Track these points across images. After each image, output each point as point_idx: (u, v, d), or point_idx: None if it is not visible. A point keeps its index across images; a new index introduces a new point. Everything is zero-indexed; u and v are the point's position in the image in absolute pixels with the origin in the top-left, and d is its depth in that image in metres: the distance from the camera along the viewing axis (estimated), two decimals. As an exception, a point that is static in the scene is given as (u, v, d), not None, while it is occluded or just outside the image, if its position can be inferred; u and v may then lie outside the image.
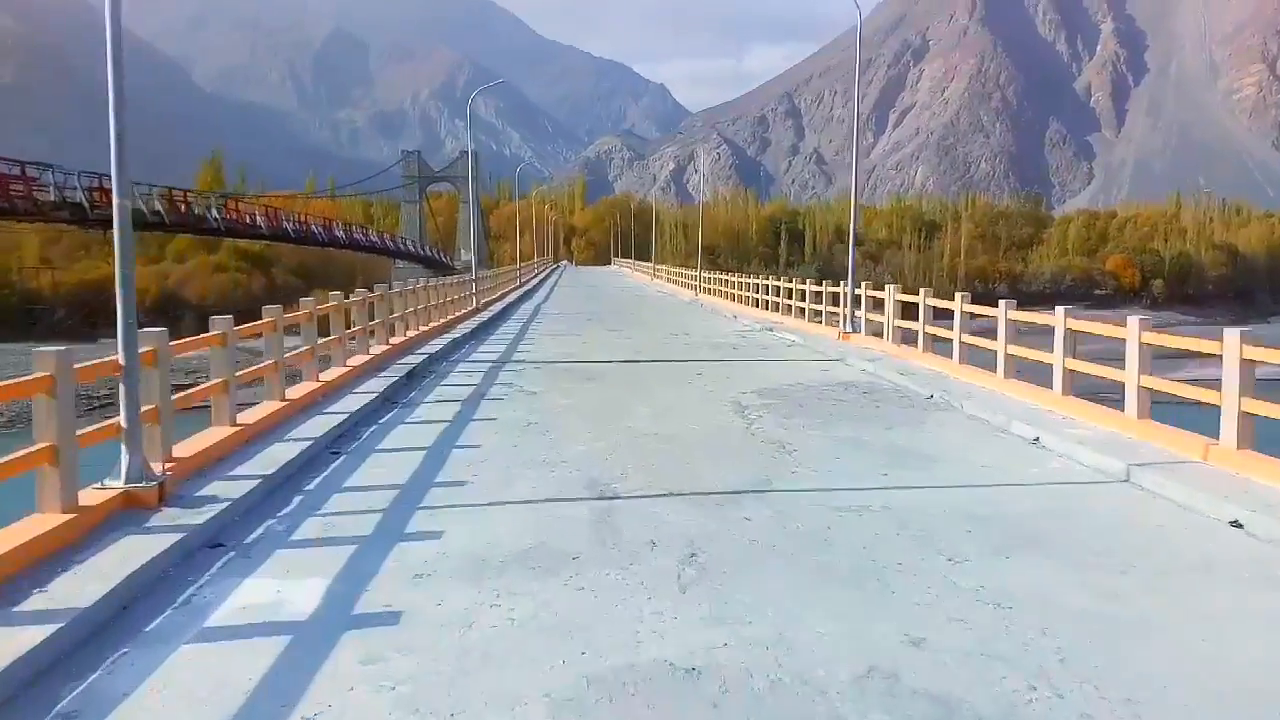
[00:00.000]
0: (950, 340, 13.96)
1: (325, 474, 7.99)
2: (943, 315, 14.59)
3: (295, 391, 10.62)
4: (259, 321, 10.21)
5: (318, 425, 9.47)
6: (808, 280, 25.05)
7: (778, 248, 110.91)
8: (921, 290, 15.02)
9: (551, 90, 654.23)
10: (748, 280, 32.67)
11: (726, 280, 36.99)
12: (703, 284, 42.44)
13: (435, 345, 17.80)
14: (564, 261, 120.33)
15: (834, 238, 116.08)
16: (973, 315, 13.40)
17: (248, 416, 9.10)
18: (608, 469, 8.07)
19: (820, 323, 22.26)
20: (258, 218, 62.05)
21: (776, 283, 28.37)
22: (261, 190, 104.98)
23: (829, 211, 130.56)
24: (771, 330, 22.98)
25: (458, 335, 20.57)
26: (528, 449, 8.91)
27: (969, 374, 12.98)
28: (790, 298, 25.89)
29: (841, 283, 20.18)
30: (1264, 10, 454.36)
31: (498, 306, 32.71)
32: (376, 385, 12.25)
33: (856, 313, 18.93)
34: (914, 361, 14.83)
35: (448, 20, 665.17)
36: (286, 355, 10.37)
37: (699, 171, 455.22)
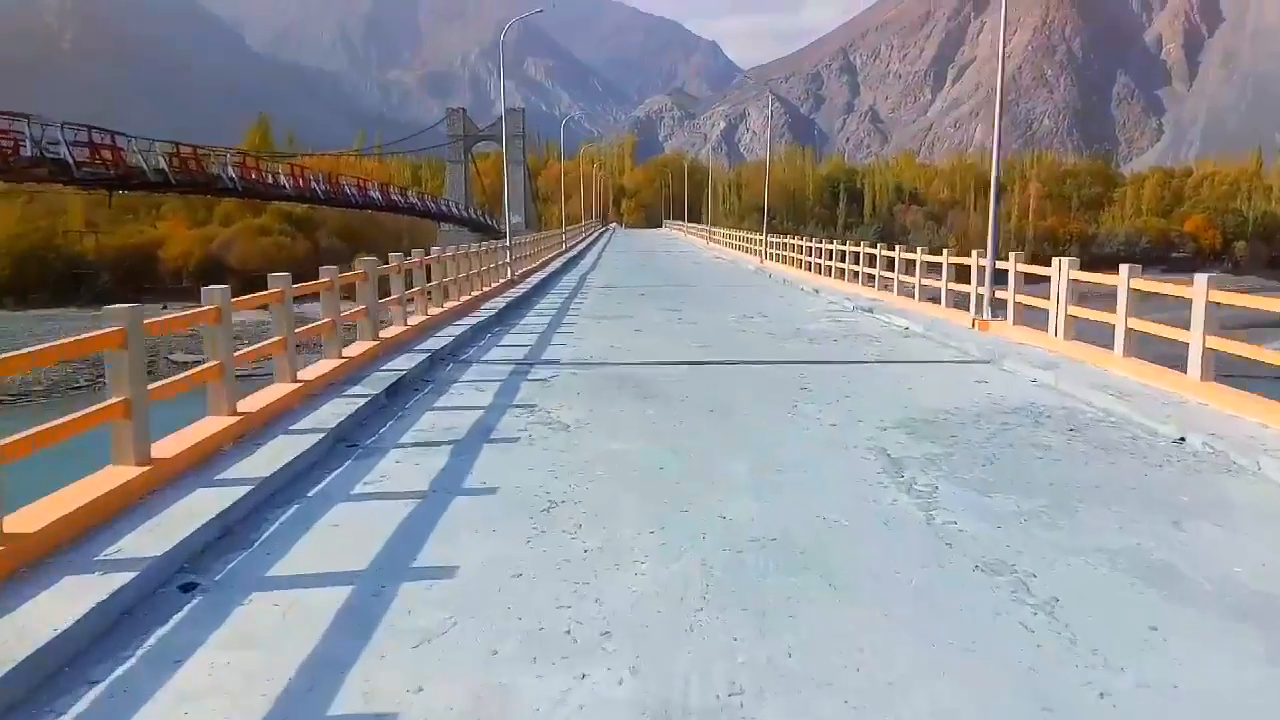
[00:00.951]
0: (1164, 337, 9.58)
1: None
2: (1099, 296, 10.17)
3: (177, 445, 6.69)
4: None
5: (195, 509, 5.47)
6: (918, 250, 19.24)
7: (835, 208, 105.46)
8: (1125, 269, 10.39)
9: (601, 49, 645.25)
10: (826, 246, 27.58)
11: (798, 245, 31.71)
12: (769, 249, 37.24)
13: (446, 336, 13.56)
14: (613, 224, 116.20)
15: (894, 197, 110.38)
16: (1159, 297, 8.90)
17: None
18: (689, 658, 3.94)
19: (938, 304, 17.25)
20: (280, 177, 57.59)
21: (869, 249, 22.92)
22: (312, 152, 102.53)
23: (887, 170, 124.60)
24: (871, 312, 18.01)
25: (481, 319, 16.20)
26: (540, 583, 4.76)
27: (1222, 397, 8.57)
28: (890, 269, 20.75)
29: (976, 253, 15.30)
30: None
31: (537, 278, 28.46)
32: (329, 415, 8.16)
33: (1001, 293, 13.96)
34: (1113, 371, 10.26)
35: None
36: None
37: (751, 130, 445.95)
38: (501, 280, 23.51)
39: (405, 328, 13.22)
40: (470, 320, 15.96)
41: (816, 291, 23.57)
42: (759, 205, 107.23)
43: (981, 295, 14.76)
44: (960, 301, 16.36)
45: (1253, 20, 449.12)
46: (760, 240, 39.58)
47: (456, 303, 17.25)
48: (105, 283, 66.00)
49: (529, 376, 11.09)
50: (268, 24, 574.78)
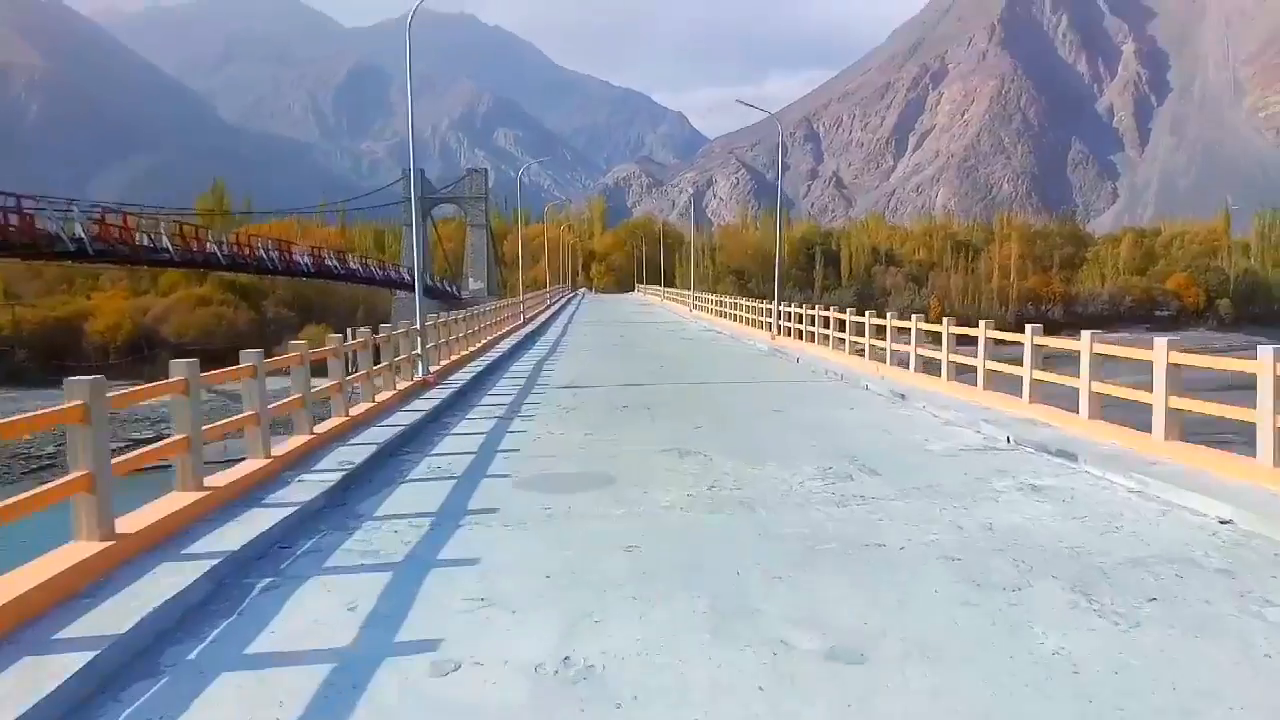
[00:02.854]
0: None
1: None
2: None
3: None
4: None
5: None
6: (1029, 334, 13.33)
7: (811, 270, 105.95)
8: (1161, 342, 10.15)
9: (570, 120, 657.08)
10: (867, 320, 21.34)
11: (821, 318, 25.49)
12: (780, 321, 30.02)
13: (231, 538, 7.09)
14: (583, 289, 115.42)
15: (870, 259, 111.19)
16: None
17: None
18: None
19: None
20: (223, 246, 55.11)
21: (969, 329, 15.37)
22: (269, 210, 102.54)
23: (863, 231, 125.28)
24: (1063, 458, 10.41)
25: (327, 480, 9.12)
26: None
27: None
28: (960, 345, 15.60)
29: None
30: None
31: (470, 371, 20.87)
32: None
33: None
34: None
35: (469, 53, 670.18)
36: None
37: (718, 197, 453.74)
38: (402, 387, 15.83)
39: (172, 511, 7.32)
40: (321, 474, 9.47)
41: (903, 397, 15.73)
42: (734, 269, 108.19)
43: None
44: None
45: (1198, 90, 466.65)
46: (766, 309, 32.74)
47: (313, 435, 10.85)
48: (21, 360, 60.59)
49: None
50: (241, 96, 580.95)
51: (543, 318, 49.54)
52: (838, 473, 9.84)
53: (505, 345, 29.38)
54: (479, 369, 21.41)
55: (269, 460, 9.42)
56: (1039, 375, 13.17)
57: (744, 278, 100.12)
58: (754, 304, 37.17)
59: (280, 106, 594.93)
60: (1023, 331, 13.65)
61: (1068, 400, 12.40)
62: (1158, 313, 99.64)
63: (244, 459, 9.32)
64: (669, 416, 14.14)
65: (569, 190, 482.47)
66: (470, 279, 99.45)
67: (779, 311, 30.47)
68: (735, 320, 38.87)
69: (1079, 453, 10.27)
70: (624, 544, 7.19)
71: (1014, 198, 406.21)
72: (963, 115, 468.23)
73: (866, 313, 22.19)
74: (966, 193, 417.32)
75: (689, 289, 68.02)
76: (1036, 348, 13.25)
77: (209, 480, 8.17)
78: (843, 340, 23.10)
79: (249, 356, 9.56)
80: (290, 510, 7.93)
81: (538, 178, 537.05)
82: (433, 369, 18.94)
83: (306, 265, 66.25)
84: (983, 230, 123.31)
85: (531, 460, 10.77)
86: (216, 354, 11.70)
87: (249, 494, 8.46)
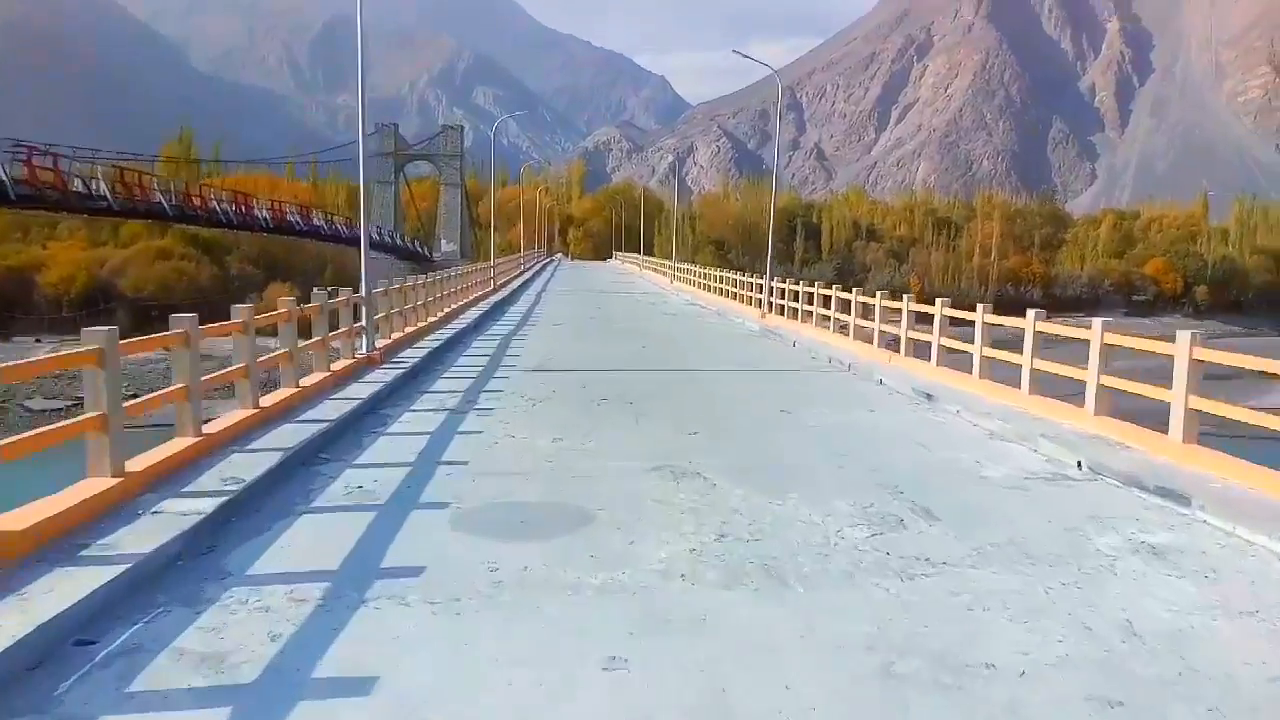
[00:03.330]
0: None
1: None
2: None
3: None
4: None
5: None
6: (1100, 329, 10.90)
7: (791, 243, 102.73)
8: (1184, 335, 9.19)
9: (551, 80, 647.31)
10: (878, 302, 18.62)
11: (816, 295, 23.07)
12: (771, 298, 27.43)
13: None
14: (559, 255, 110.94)
15: (851, 233, 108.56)
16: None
17: None
18: None
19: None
20: (169, 196, 50.19)
21: (1016, 319, 12.52)
22: (245, 168, 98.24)
23: (844, 204, 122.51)
24: (1167, 500, 8.02)
25: (192, 513, 6.56)
26: None
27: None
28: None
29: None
30: (1271, 12, 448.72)
31: (426, 346, 17.89)
32: None
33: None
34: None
35: (449, 8, 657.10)
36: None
37: (698, 165, 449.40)
38: (338, 367, 13.37)
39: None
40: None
41: (929, 398, 13.20)
42: (714, 239, 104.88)
43: None
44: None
45: (1180, 72, 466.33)
46: (756, 284, 30.08)
47: (103, 487, 6.70)
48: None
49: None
50: (213, 44, 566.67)
51: (515, 284, 46.69)
52: (882, 514, 7.44)
53: (471, 315, 26.42)
54: (436, 344, 18.52)
55: (120, 479, 6.91)
56: (1112, 382, 10.66)
57: (724, 248, 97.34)
58: (741, 278, 33.98)
59: (254, 57, 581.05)
60: (1007, 312, 12.81)
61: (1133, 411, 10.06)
62: (1135, 297, 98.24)
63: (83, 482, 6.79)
64: (657, 416, 11.61)
65: (548, 153, 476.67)
66: (443, 240, 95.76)
67: (770, 287, 27.78)
68: (721, 295, 36.34)
69: (1189, 492, 7.92)
70: (603, 652, 4.82)
71: (993, 175, 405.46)
72: (946, 89, 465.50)
73: (878, 294, 19.18)
74: (947, 169, 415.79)
75: (668, 258, 65.57)
76: (1107, 348, 10.81)
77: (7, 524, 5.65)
78: (843, 324, 20.45)
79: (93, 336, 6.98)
80: (114, 574, 5.43)
81: (516, 139, 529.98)
82: (381, 343, 16.11)
83: (266, 220, 61.84)
84: (964, 207, 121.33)
85: (482, 479, 8.29)
86: (175, 310, 9.26)
87: (69, 538, 5.96)
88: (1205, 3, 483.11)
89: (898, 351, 16.83)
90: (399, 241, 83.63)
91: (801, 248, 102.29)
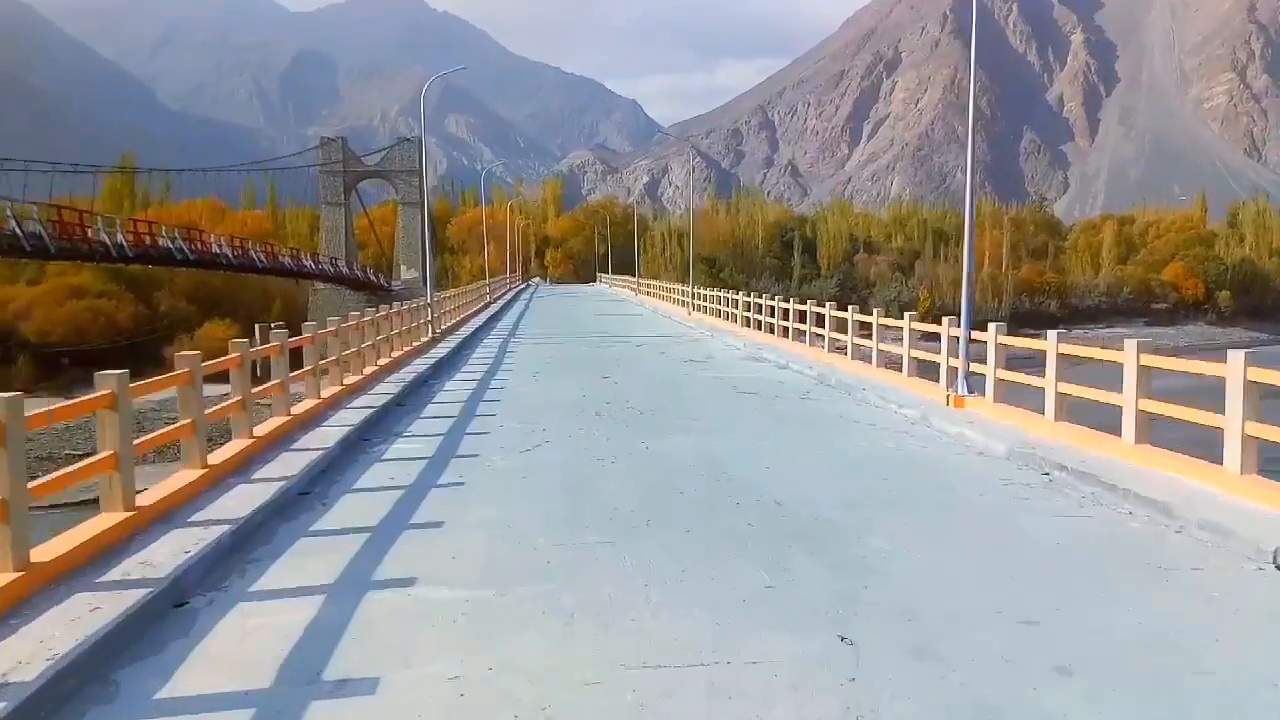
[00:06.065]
0: None
1: None
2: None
3: None
4: None
5: None
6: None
7: (787, 259, 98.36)
8: None
9: (523, 107, 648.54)
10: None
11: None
12: (854, 336, 19.49)
13: None
14: (535, 279, 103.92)
15: (849, 246, 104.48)
16: None
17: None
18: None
19: None
20: (100, 233, 45.24)
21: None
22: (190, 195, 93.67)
23: (839, 216, 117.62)
24: None
25: None
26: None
27: None
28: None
29: None
30: (1231, 21, 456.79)
31: (289, 466, 9.54)
32: None
33: None
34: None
35: (418, 39, 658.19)
36: None
37: (674, 185, 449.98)
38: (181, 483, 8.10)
39: None
40: None
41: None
42: (705, 257, 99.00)
43: None
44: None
45: (1146, 80, 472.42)
46: (845, 317, 19.89)
47: None
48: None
49: None
50: (181, 81, 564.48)
51: (473, 324, 35.17)
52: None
53: (387, 392, 15.65)
54: (306, 467, 9.68)
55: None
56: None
57: (715, 265, 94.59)
58: (832, 312, 21.15)
59: (223, 92, 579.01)
60: (1029, 328, 10.82)
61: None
62: (1155, 305, 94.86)
63: None
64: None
65: (523, 176, 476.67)
66: (403, 267, 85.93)
67: (848, 319, 19.37)
68: (790, 339, 24.18)
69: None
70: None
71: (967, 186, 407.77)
72: (917, 104, 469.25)
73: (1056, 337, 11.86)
74: (921, 181, 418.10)
75: (655, 278, 60.36)
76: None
77: None
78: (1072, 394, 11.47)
79: None
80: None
81: (490, 164, 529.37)
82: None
83: (229, 256, 57.07)
84: (955, 217, 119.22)
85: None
86: (88, 355, 6.78)
87: None
88: (1166, 13, 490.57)
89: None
90: (352, 272, 76.58)
91: (800, 263, 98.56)
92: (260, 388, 11.43)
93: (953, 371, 14.43)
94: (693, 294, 39.98)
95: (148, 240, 50.09)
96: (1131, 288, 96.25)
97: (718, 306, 34.77)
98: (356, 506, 8.78)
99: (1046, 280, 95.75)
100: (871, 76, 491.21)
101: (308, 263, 69.78)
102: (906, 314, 17.29)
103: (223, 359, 10.40)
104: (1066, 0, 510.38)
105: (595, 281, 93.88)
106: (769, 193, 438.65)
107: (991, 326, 13.24)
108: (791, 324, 24.31)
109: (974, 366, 13.77)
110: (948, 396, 13.98)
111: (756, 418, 13.91)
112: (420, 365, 20.05)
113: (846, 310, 20.26)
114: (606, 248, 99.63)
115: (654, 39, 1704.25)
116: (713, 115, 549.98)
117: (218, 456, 9.48)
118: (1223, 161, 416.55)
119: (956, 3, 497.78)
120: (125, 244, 46.91)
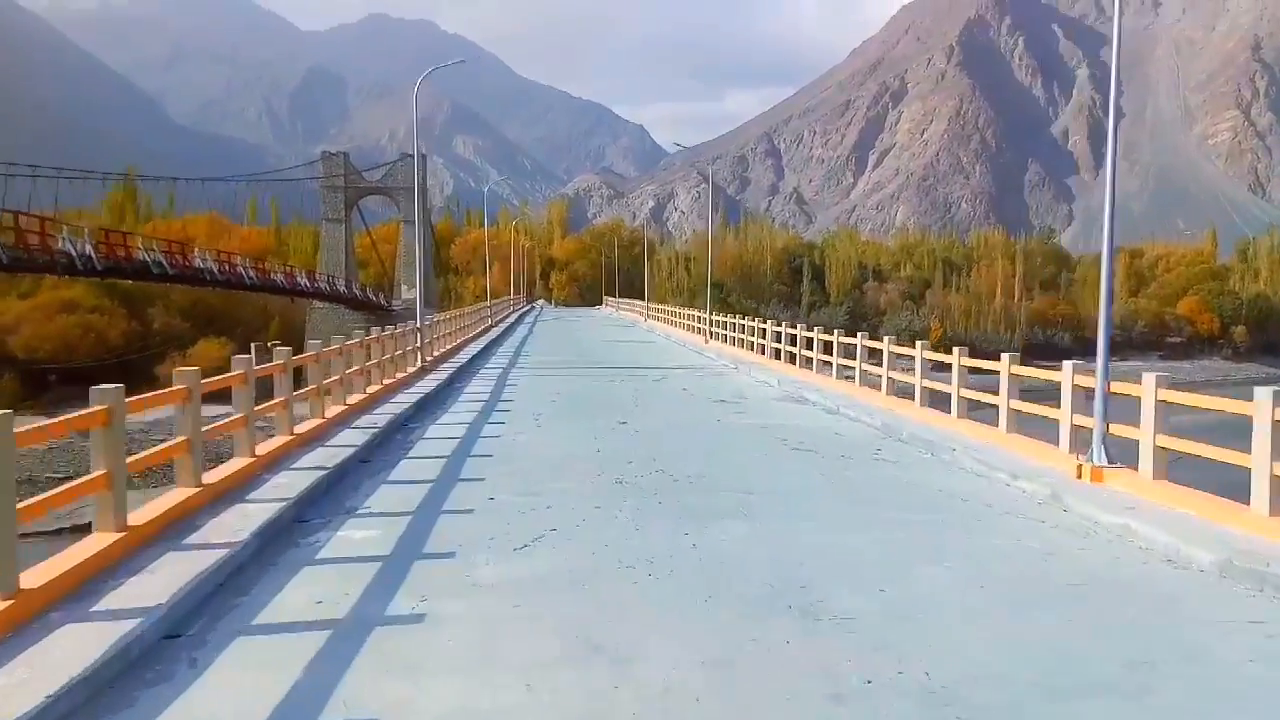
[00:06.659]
0: None
1: None
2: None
3: None
4: None
5: None
6: None
7: (795, 286, 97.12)
8: None
9: (531, 130, 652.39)
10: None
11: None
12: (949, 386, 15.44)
13: None
14: (540, 301, 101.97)
15: (858, 274, 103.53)
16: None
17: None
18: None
19: None
20: (85, 245, 42.15)
21: None
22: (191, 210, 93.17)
23: (848, 243, 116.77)
24: None
25: None
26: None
27: None
28: None
29: None
30: (1236, 58, 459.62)
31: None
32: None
33: None
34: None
35: (428, 60, 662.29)
36: None
37: (679, 210, 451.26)
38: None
39: None
40: None
41: None
42: (713, 281, 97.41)
43: None
44: None
45: (1150, 115, 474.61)
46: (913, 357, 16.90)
47: None
48: None
49: None
50: (192, 97, 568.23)
51: (470, 350, 32.52)
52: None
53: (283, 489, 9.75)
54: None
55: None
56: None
57: (723, 291, 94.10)
58: (892, 348, 17.91)
59: (233, 109, 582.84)
60: (1042, 360, 10.01)
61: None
62: (1169, 339, 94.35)
63: None
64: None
65: (529, 198, 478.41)
66: (404, 286, 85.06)
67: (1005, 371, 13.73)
68: (834, 376, 21.27)
69: None
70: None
71: (972, 217, 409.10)
72: (922, 134, 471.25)
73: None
74: (925, 210, 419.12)
75: (663, 302, 58.70)
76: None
77: None
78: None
79: None
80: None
81: (496, 186, 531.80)
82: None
83: (213, 271, 53.81)
84: (961, 248, 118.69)
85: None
86: (77, 372, 6.56)
87: None
88: (1171, 50, 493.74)
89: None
90: (347, 290, 74.83)
91: (808, 290, 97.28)
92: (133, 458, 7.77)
93: (1075, 429, 11.27)
94: (710, 320, 37.02)
95: (121, 253, 46.42)
96: (1146, 321, 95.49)
97: (739, 335, 31.59)
98: (235, 682, 5.16)
99: (1059, 312, 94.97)
100: (877, 106, 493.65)
101: (302, 280, 67.08)
102: (1005, 355, 13.95)
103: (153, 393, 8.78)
104: (1073, 35, 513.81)
105: (601, 305, 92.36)
106: (774, 219, 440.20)
107: (1148, 376, 9.98)
108: (835, 358, 21.04)
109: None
110: (1079, 467, 10.54)
111: (829, 493, 10.53)
112: (401, 403, 16.87)
113: (913, 346, 16.86)
114: (614, 271, 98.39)
115: (662, 66, 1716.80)
116: (719, 142, 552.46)
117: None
118: (1226, 197, 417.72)
119: (963, 35, 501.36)
120: (93, 255, 43.08)
